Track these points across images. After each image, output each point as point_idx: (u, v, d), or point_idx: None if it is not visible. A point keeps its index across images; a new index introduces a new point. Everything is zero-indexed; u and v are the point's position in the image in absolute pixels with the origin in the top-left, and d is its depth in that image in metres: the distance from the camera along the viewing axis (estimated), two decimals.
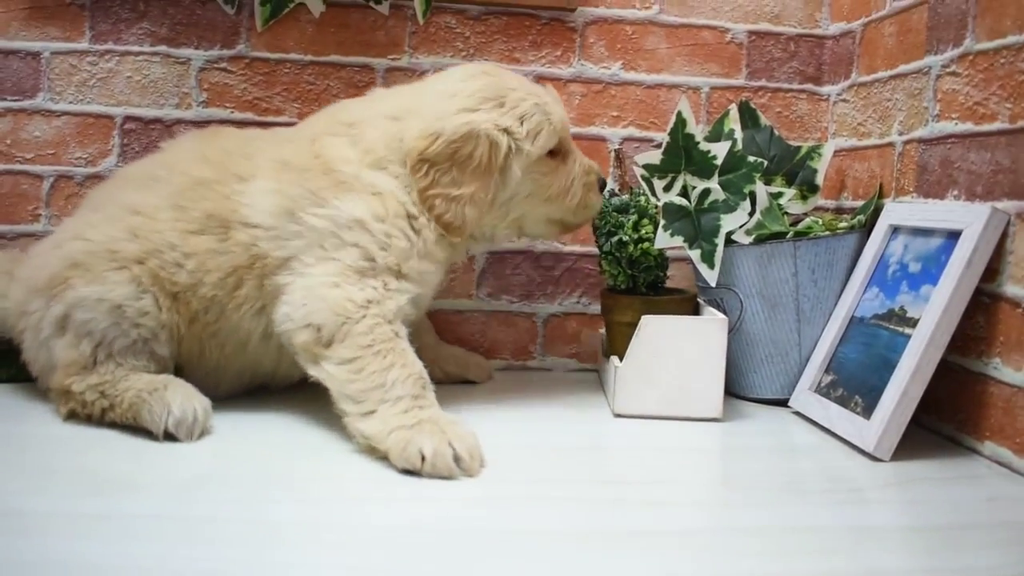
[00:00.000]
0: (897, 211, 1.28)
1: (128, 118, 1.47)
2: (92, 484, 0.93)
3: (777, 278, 1.31)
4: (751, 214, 1.31)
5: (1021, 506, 0.96)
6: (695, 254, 1.30)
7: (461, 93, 1.19)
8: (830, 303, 1.32)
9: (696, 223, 1.30)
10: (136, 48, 1.47)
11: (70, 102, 1.46)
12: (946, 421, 1.19)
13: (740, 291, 1.33)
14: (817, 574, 0.78)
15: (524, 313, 1.55)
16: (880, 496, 1.00)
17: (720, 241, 1.29)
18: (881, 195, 1.37)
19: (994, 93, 1.12)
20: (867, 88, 1.44)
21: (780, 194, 1.36)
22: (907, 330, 1.14)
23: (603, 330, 1.47)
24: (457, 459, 0.99)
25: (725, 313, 1.32)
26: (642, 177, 1.33)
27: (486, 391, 1.39)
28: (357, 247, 1.13)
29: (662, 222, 1.30)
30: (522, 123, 1.20)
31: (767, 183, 1.37)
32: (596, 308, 1.55)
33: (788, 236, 1.31)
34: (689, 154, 1.31)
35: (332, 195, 1.15)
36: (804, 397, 1.29)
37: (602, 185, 1.32)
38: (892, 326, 1.18)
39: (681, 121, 1.31)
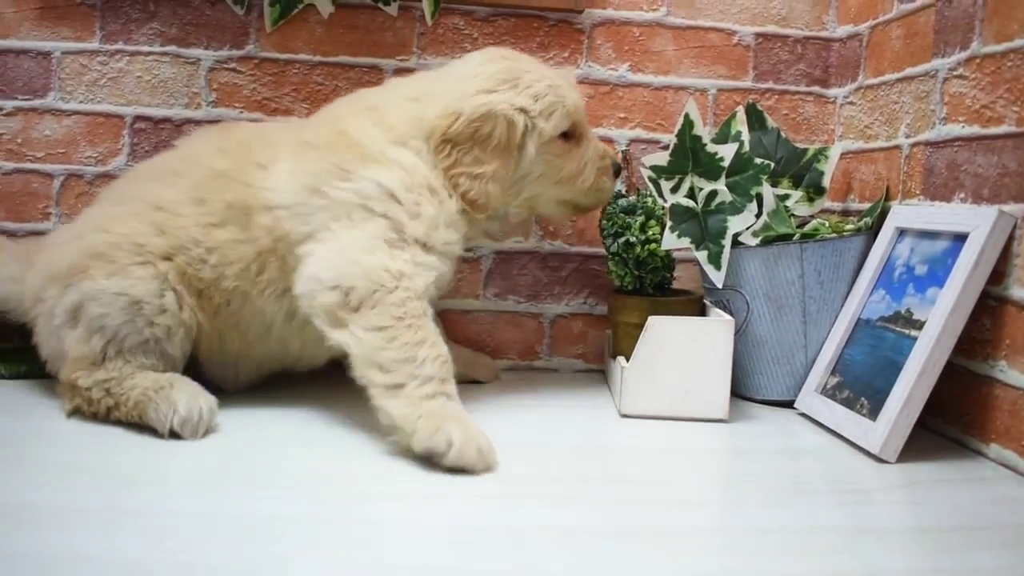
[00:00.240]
0: (904, 213, 1.28)
1: (138, 118, 1.48)
2: (99, 480, 0.94)
3: (783, 280, 1.31)
4: (758, 216, 1.31)
5: None
6: (702, 256, 1.30)
7: (479, 75, 1.23)
8: (836, 305, 1.32)
9: (703, 225, 1.31)
10: (146, 48, 1.47)
11: (80, 101, 1.47)
12: (952, 423, 1.20)
13: (746, 293, 1.34)
14: (822, 574, 0.79)
15: (531, 313, 1.56)
16: (885, 497, 1.00)
17: (727, 243, 1.29)
18: (888, 197, 1.37)
19: (1001, 96, 1.12)
20: (874, 91, 1.45)
21: (787, 196, 1.37)
22: (913, 332, 1.14)
23: (609, 331, 1.48)
24: (480, 452, 1.01)
25: (731, 314, 1.32)
26: (649, 179, 1.34)
27: (493, 391, 1.40)
28: (386, 218, 1.14)
29: (669, 223, 1.30)
30: (536, 102, 1.23)
31: (774, 185, 1.37)
32: (603, 309, 1.56)
33: (795, 238, 1.32)
34: (696, 156, 1.32)
35: (359, 167, 1.16)
36: (810, 399, 1.29)
37: (616, 170, 1.34)
38: (898, 328, 1.18)
39: (688, 123, 1.32)
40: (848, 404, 1.20)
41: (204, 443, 1.08)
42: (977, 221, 1.11)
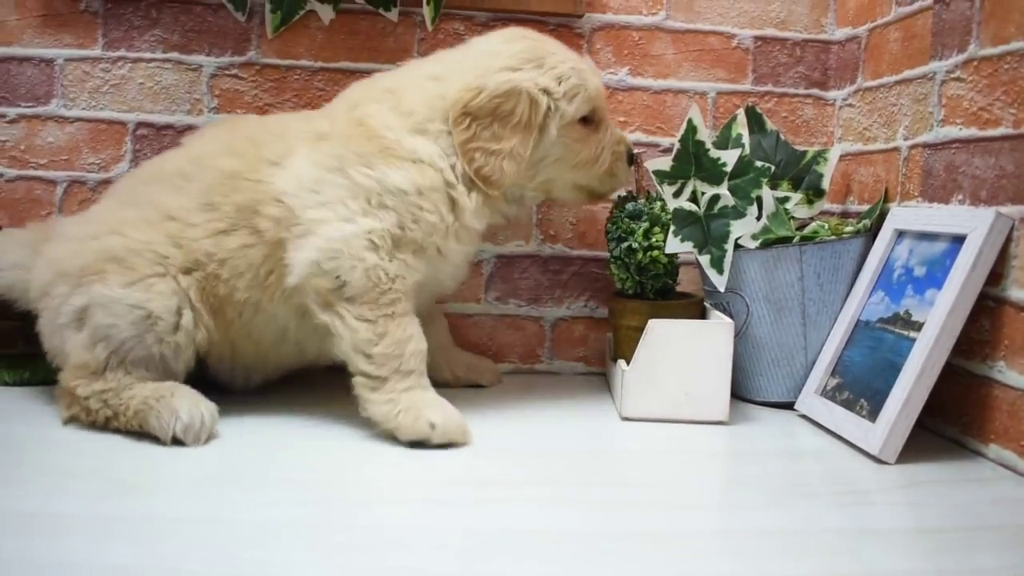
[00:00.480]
0: (902, 215, 1.29)
1: (140, 124, 1.49)
2: (100, 486, 0.95)
3: (783, 282, 1.32)
4: (758, 219, 1.32)
5: None
6: (705, 260, 1.31)
7: (503, 53, 1.23)
8: (836, 307, 1.33)
9: (706, 229, 1.32)
10: (148, 55, 1.48)
11: (83, 108, 1.48)
12: (951, 424, 1.20)
13: (746, 295, 1.34)
14: None
15: (532, 317, 1.56)
16: (885, 498, 1.00)
17: (730, 247, 1.30)
18: (886, 199, 1.38)
19: (998, 99, 1.13)
20: (872, 93, 1.45)
21: (786, 199, 1.37)
22: (912, 334, 1.14)
23: (610, 334, 1.48)
24: (460, 426, 1.11)
25: (732, 317, 1.33)
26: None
27: (495, 395, 1.40)
28: (394, 212, 1.15)
29: (672, 228, 1.31)
30: (560, 83, 1.23)
31: (773, 187, 1.38)
32: (604, 312, 1.56)
33: (794, 241, 1.32)
34: (699, 161, 1.33)
35: (379, 160, 1.16)
36: (810, 400, 1.30)
37: (630, 157, 1.34)
38: (897, 330, 1.18)
39: (692, 128, 1.32)
40: (848, 405, 1.20)
41: (203, 449, 1.09)
42: (975, 223, 1.12)
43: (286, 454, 1.09)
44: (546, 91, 1.21)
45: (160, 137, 1.48)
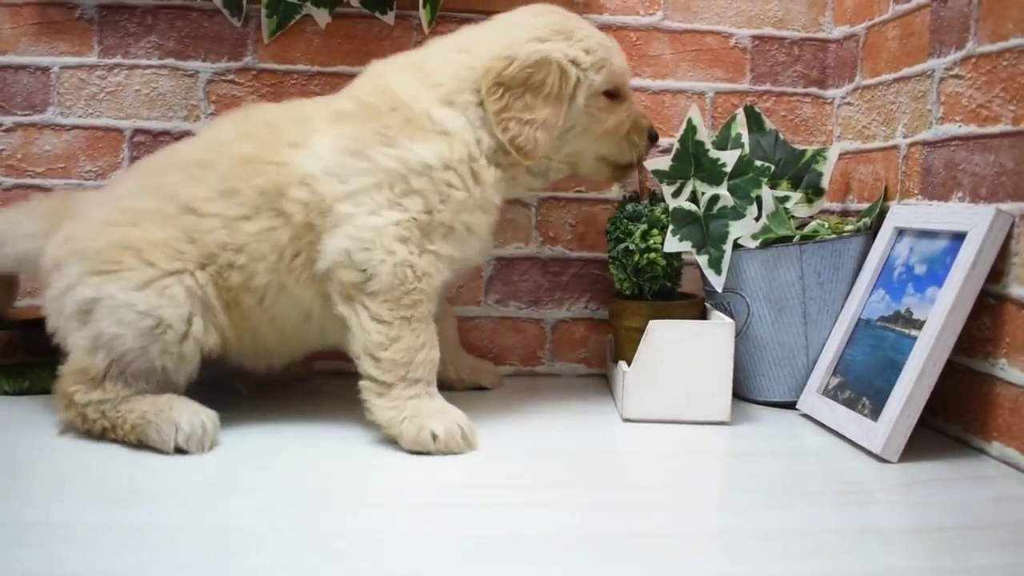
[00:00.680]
0: (902, 213, 1.28)
1: (137, 131, 1.49)
2: (101, 494, 0.95)
3: (783, 281, 1.32)
4: (757, 219, 1.32)
5: None
6: (703, 260, 1.31)
7: (532, 25, 1.23)
8: (836, 305, 1.32)
9: (704, 229, 1.31)
10: (144, 61, 1.48)
11: (79, 116, 1.48)
12: (953, 422, 1.20)
13: (747, 295, 1.34)
14: None
15: (532, 319, 1.56)
16: (888, 497, 1.00)
17: (728, 247, 1.30)
18: (886, 197, 1.37)
19: (997, 95, 1.13)
20: (871, 91, 1.45)
21: (786, 198, 1.37)
22: (913, 332, 1.14)
23: (611, 335, 1.48)
24: (463, 437, 1.11)
25: (732, 317, 1.33)
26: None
27: (496, 397, 1.40)
28: (420, 196, 1.14)
29: (671, 227, 1.31)
30: (588, 55, 1.23)
31: (773, 187, 1.37)
32: (604, 313, 1.56)
33: (794, 240, 1.32)
34: (699, 161, 1.32)
35: (402, 135, 1.16)
36: (812, 399, 1.29)
37: (652, 136, 1.33)
38: (898, 328, 1.18)
39: (691, 128, 1.32)
40: (850, 404, 1.20)
41: (204, 457, 1.08)
42: (975, 220, 1.11)
43: (287, 460, 1.08)
44: (575, 62, 1.22)
45: (157, 144, 1.48)
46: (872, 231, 1.34)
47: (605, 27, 1.52)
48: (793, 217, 1.37)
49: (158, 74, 1.49)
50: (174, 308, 1.13)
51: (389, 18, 1.46)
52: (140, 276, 1.13)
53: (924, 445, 1.14)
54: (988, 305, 1.13)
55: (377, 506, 0.94)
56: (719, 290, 1.31)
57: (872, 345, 1.22)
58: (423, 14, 1.43)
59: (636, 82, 1.54)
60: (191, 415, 1.10)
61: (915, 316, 1.16)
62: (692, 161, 1.32)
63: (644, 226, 1.32)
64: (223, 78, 1.49)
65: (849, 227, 1.35)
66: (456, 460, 1.09)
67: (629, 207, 1.35)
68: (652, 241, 1.31)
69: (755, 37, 1.57)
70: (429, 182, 1.15)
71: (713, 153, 1.32)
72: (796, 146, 1.44)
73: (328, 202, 1.14)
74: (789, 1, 1.57)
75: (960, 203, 1.19)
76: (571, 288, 1.56)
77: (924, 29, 1.29)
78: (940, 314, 1.10)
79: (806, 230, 1.36)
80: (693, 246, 1.31)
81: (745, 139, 1.37)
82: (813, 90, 1.59)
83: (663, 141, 1.53)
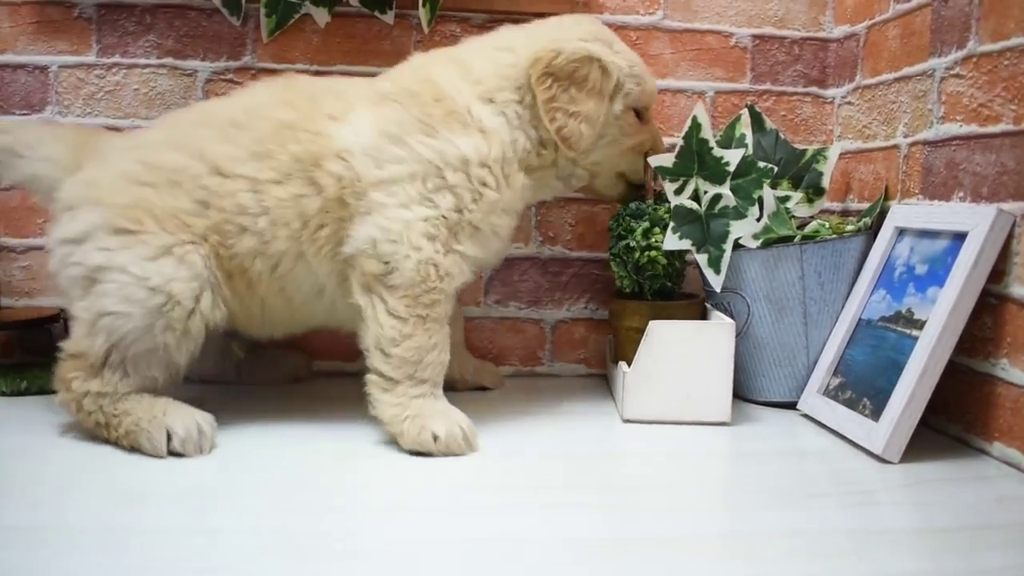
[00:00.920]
0: (903, 213, 1.28)
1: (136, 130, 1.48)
2: (101, 498, 0.94)
3: (784, 281, 1.31)
4: (759, 219, 1.31)
5: None
6: (702, 259, 1.30)
7: (575, 28, 1.26)
8: (837, 306, 1.32)
9: (705, 227, 1.31)
10: (143, 61, 1.48)
11: (78, 115, 1.47)
12: (954, 422, 1.19)
13: (747, 295, 1.34)
14: None
15: (532, 319, 1.56)
16: (889, 498, 1.00)
17: (728, 247, 1.29)
18: (887, 197, 1.37)
19: (998, 95, 1.12)
20: (872, 91, 1.45)
21: (787, 198, 1.37)
22: (914, 332, 1.14)
23: (611, 336, 1.47)
24: (464, 438, 1.11)
25: (733, 317, 1.32)
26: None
27: (497, 398, 1.40)
28: (453, 193, 1.15)
29: (671, 224, 1.30)
30: (628, 66, 1.27)
31: (773, 187, 1.37)
32: (604, 313, 1.55)
33: (795, 240, 1.32)
34: (702, 159, 1.32)
35: (443, 126, 1.16)
36: (813, 400, 1.29)
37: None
38: (899, 328, 1.18)
39: (696, 126, 1.32)
40: (851, 405, 1.20)
41: (203, 460, 1.08)
42: (976, 220, 1.11)
43: (286, 462, 1.08)
44: (616, 66, 1.25)
45: None
46: (873, 231, 1.34)
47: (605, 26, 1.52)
48: (794, 217, 1.37)
49: (157, 73, 1.48)
50: (187, 282, 1.12)
51: (388, 17, 1.46)
52: (157, 241, 1.12)
53: (925, 445, 1.14)
54: (989, 305, 1.12)
55: (376, 509, 0.94)
56: (717, 289, 1.31)
57: (873, 345, 1.22)
58: (422, 13, 1.43)
59: None
60: (186, 418, 1.10)
61: (916, 316, 1.15)
62: (696, 159, 1.32)
63: (646, 224, 1.32)
64: (222, 77, 1.48)
65: (850, 227, 1.35)
66: (457, 462, 1.09)
67: (633, 205, 1.35)
68: (654, 239, 1.31)
69: (755, 36, 1.57)
70: (465, 178, 1.15)
71: (717, 151, 1.31)
72: (797, 146, 1.44)
73: (363, 184, 1.14)
74: (789, 0, 1.57)
75: (961, 203, 1.19)
76: (571, 288, 1.56)
77: (925, 28, 1.29)
78: (941, 314, 1.10)
79: (807, 230, 1.35)
80: (693, 244, 1.31)
81: (749, 139, 1.37)
82: (813, 89, 1.59)
83: (667, 140, 1.53)
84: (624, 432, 1.23)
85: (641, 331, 1.26)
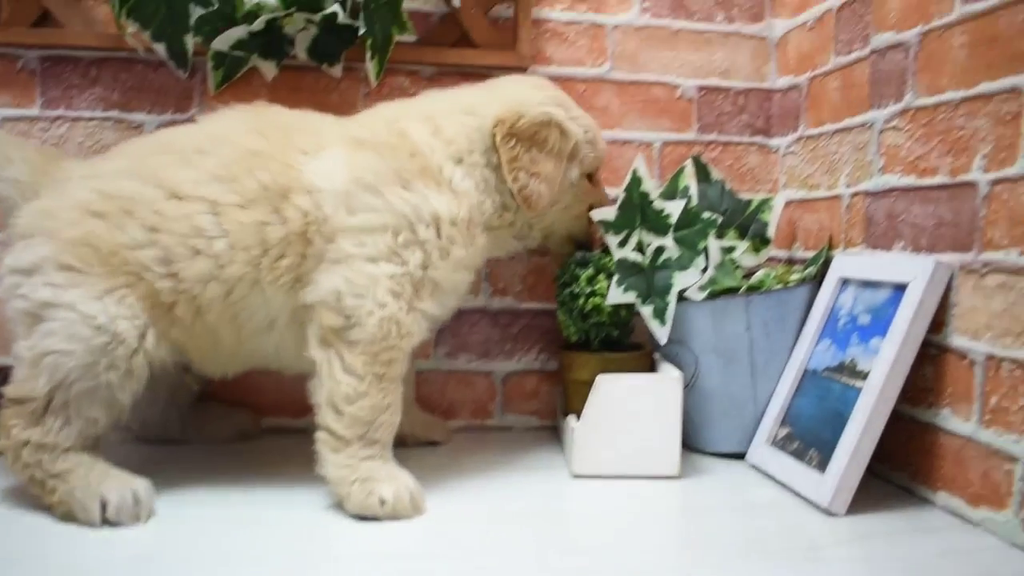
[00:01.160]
0: (846, 263, 1.30)
1: None
2: (31, 573, 0.91)
3: (731, 333, 1.32)
4: (704, 270, 1.32)
5: (974, 559, 0.96)
6: (647, 311, 1.31)
7: (535, 93, 1.29)
8: (784, 356, 1.33)
9: (649, 279, 1.31)
10: (88, 113, 1.46)
11: None
12: (900, 471, 1.20)
13: (695, 347, 1.34)
14: None
15: (482, 372, 1.55)
16: (836, 554, 1.00)
17: (672, 299, 1.30)
18: (831, 246, 1.38)
19: (935, 148, 1.14)
20: (814, 141, 1.47)
21: (733, 248, 1.38)
22: (858, 383, 1.14)
23: (561, 388, 1.47)
24: (412, 501, 1.09)
25: (681, 368, 1.32)
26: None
27: (447, 453, 1.38)
28: (423, 249, 1.15)
29: (616, 277, 1.31)
30: (584, 132, 1.31)
31: (720, 236, 1.38)
32: (555, 364, 1.55)
33: (741, 291, 1.32)
34: (644, 211, 1.33)
35: (418, 180, 1.17)
36: (761, 450, 1.29)
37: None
38: (844, 379, 1.19)
39: (636, 179, 1.33)
40: (798, 455, 1.20)
41: (137, 531, 1.04)
42: (915, 271, 1.12)
43: (227, 528, 1.05)
44: (573, 131, 1.28)
45: None
46: (818, 280, 1.35)
47: (553, 79, 1.53)
48: (739, 267, 1.38)
49: (102, 126, 1.46)
50: (131, 320, 1.11)
51: (336, 71, 1.46)
52: (101, 284, 1.11)
53: (872, 495, 1.14)
54: (930, 355, 1.14)
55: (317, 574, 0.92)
56: (663, 342, 1.32)
57: (819, 396, 1.23)
58: (371, 66, 1.43)
59: None
60: (121, 486, 1.07)
61: (860, 367, 1.16)
62: (638, 211, 1.33)
63: (590, 271, 1.33)
64: None
65: (795, 276, 1.36)
66: (404, 526, 1.07)
67: (579, 254, 1.36)
68: (597, 286, 1.32)
69: (701, 88, 1.59)
70: (435, 234, 1.15)
71: (657, 204, 1.32)
72: (742, 195, 1.46)
73: (331, 228, 1.14)
74: (734, 52, 1.60)
75: (902, 253, 1.21)
76: (521, 340, 1.56)
77: (864, 81, 1.31)
78: (884, 365, 1.11)
79: (753, 279, 1.36)
80: (638, 296, 1.31)
81: (693, 191, 1.38)
82: (759, 139, 1.61)
83: (611, 192, 1.53)
84: (573, 488, 1.22)
85: (589, 384, 1.26)
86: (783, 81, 1.58)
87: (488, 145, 1.23)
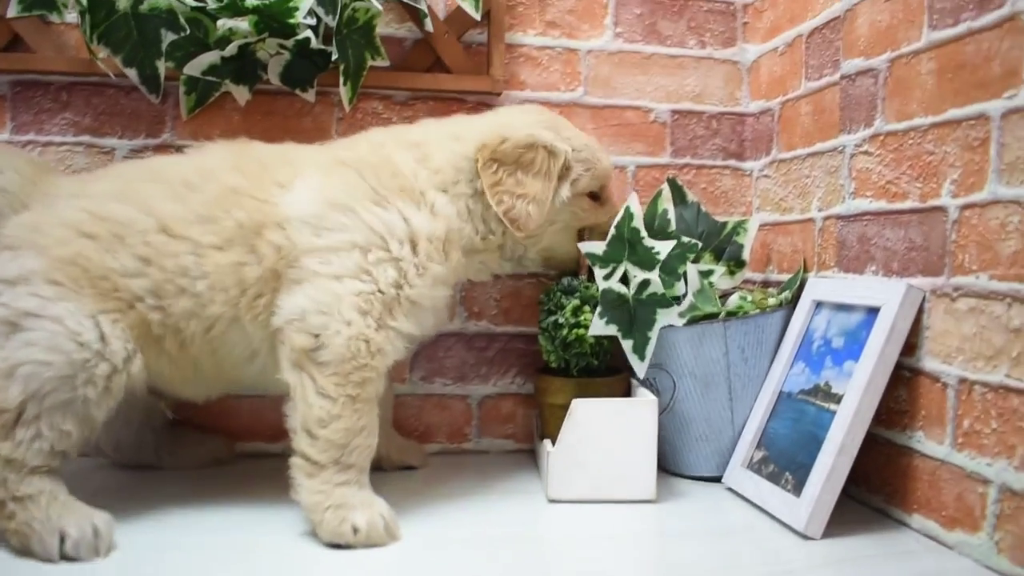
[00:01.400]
0: (820, 286, 1.30)
1: None
2: None
3: (708, 358, 1.32)
4: (684, 297, 1.33)
5: None
6: (628, 344, 1.30)
7: (523, 119, 1.29)
8: (761, 380, 1.33)
9: (632, 313, 1.31)
10: (59, 138, 1.45)
11: None
12: (875, 493, 1.20)
13: (673, 371, 1.34)
14: None
15: (458, 395, 1.54)
16: None
17: (654, 336, 1.30)
18: (805, 269, 1.39)
19: (904, 172, 1.16)
20: (787, 164, 1.48)
21: (710, 272, 1.38)
22: (832, 406, 1.15)
23: (537, 411, 1.46)
24: (386, 528, 1.08)
25: (658, 393, 1.32)
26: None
27: (422, 478, 1.37)
28: (396, 267, 1.13)
29: (599, 309, 1.30)
30: (574, 152, 1.30)
31: (696, 260, 1.38)
32: (531, 387, 1.55)
33: (719, 316, 1.33)
34: (634, 247, 1.32)
35: (396, 198, 1.17)
36: (737, 474, 1.29)
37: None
38: (818, 402, 1.19)
39: (629, 215, 1.32)
40: (774, 479, 1.20)
41: (96, 565, 1.02)
42: (887, 295, 1.13)
43: (192, 559, 1.03)
44: (562, 149, 1.27)
45: None
46: (793, 303, 1.35)
47: (527, 103, 1.54)
48: (715, 288, 1.38)
49: (73, 151, 1.45)
50: (123, 342, 1.10)
51: (310, 95, 1.45)
52: (95, 304, 1.10)
53: (848, 517, 1.15)
54: (903, 378, 1.14)
55: None
56: (641, 377, 1.32)
57: (793, 419, 1.23)
58: (344, 91, 1.42)
59: None
60: (80, 519, 1.04)
61: (834, 390, 1.17)
62: (627, 247, 1.32)
63: (576, 301, 1.32)
64: (140, 155, 1.46)
65: (772, 300, 1.37)
66: (379, 553, 1.06)
67: (565, 281, 1.36)
68: (583, 317, 1.31)
69: (674, 111, 1.60)
70: (411, 251, 1.15)
71: (648, 242, 1.31)
72: (717, 218, 1.46)
73: (297, 251, 1.13)
74: (706, 76, 1.61)
75: (874, 276, 1.22)
76: (497, 363, 1.55)
77: (835, 106, 1.33)
78: (857, 389, 1.11)
79: (729, 303, 1.37)
80: (619, 330, 1.30)
81: (671, 215, 1.38)
82: (732, 162, 1.62)
83: None
84: (549, 513, 1.22)
85: (566, 408, 1.25)
86: (755, 105, 1.60)
87: (475, 173, 1.23)
